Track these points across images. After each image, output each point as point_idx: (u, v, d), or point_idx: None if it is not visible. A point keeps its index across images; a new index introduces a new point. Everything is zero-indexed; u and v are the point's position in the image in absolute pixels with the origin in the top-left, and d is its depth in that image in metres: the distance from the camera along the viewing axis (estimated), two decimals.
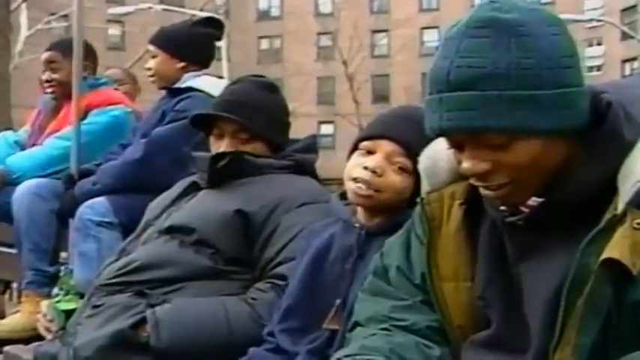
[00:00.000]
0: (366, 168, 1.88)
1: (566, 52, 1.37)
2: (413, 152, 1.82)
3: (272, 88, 2.57)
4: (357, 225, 1.95)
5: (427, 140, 1.69)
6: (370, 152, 1.91)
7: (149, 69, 3.64)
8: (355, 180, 1.90)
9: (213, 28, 3.67)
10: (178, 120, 3.31)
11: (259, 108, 2.47)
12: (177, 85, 3.51)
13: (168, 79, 3.59)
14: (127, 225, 3.11)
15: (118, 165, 3.43)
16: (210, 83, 3.46)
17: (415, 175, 1.84)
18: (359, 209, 1.98)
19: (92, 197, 3.38)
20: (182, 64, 3.55)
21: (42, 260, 3.58)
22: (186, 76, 3.53)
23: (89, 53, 3.86)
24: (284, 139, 2.57)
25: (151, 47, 3.63)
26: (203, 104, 3.20)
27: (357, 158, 1.92)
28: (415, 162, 1.81)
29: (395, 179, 1.89)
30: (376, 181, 1.88)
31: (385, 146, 1.90)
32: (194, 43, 3.58)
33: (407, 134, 1.88)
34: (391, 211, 1.91)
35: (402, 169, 1.89)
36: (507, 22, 1.35)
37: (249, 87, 2.54)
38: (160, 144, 3.34)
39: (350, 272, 1.91)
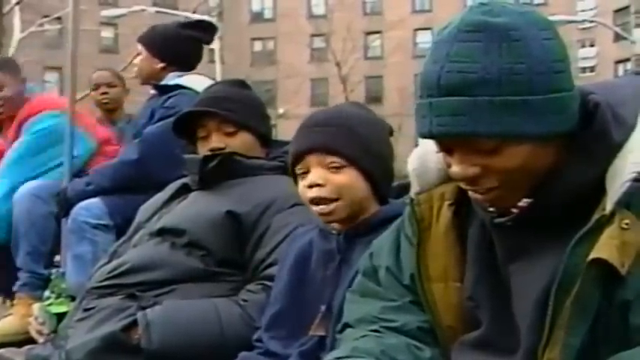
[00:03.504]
0: (310, 187, 1.93)
1: (557, 57, 1.36)
2: (333, 148, 1.91)
3: (245, 85, 2.62)
4: (333, 232, 1.98)
5: (342, 131, 1.89)
6: (306, 172, 1.95)
7: (135, 65, 3.74)
8: (312, 202, 1.94)
9: (201, 31, 3.70)
10: (168, 117, 3.30)
11: (237, 100, 2.50)
12: (164, 83, 3.54)
13: (148, 78, 3.67)
14: (123, 227, 3.10)
15: (113, 166, 3.42)
16: (199, 81, 3.47)
17: (353, 165, 1.92)
18: None
19: (86, 198, 3.37)
20: (162, 64, 3.62)
21: (38, 263, 3.56)
22: (171, 75, 3.57)
23: (16, 67, 3.87)
24: (268, 130, 2.59)
25: (139, 45, 3.71)
26: (192, 101, 3.22)
27: (301, 182, 1.97)
28: (341, 154, 1.91)
29: (338, 179, 1.93)
30: (324, 192, 1.92)
31: (312, 159, 1.94)
32: (176, 45, 3.61)
33: (321, 138, 1.93)
34: (362, 211, 1.95)
35: (337, 167, 1.93)
36: (498, 26, 1.35)
37: (222, 86, 2.62)
38: (154, 143, 3.33)
39: (333, 277, 1.93)
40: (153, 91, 3.66)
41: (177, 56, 3.62)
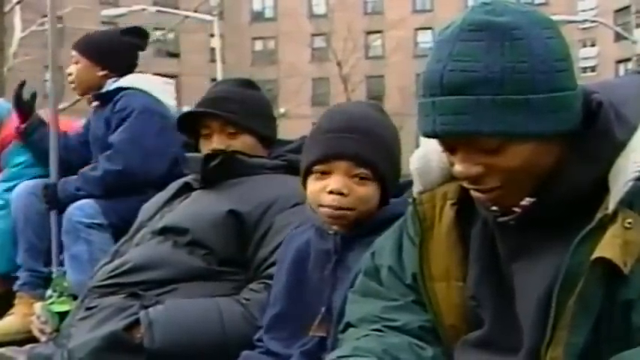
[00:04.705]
0: (331, 192, 1.88)
1: (559, 56, 1.37)
2: (367, 160, 1.87)
3: (251, 85, 2.61)
4: (330, 232, 1.94)
5: (374, 143, 1.86)
6: (326, 173, 1.90)
7: (70, 74, 3.69)
8: (324, 206, 1.89)
9: (137, 37, 3.74)
10: (124, 120, 3.39)
11: (241, 102, 2.49)
12: (104, 90, 3.56)
13: (88, 87, 3.66)
14: (118, 226, 3.13)
15: (99, 177, 3.40)
16: (141, 79, 3.54)
17: (377, 179, 1.89)
18: None
19: (76, 200, 3.39)
20: (104, 71, 3.62)
21: (37, 260, 3.57)
22: (108, 82, 3.59)
23: None
24: (271, 132, 2.58)
25: (74, 52, 3.68)
26: (140, 98, 3.38)
27: (316, 183, 1.91)
28: (372, 167, 1.87)
29: (361, 192, 1.89)
30: (345, 202, 1.87)
31: (339, 165, 1.89)
32: (117, 52, 3.64)
33: (356, 148, 1.88)
34: (366, 217, 1.91)
35: (364, 179, 1.89)
36: (501, 25, 1.35)
37: (228, 85, 2.60)
38: (130, 150, 3.36)
39: (330, 278, 1.91)
40: (95, 103, 3.64)
41: (120, 62, 3.63)
